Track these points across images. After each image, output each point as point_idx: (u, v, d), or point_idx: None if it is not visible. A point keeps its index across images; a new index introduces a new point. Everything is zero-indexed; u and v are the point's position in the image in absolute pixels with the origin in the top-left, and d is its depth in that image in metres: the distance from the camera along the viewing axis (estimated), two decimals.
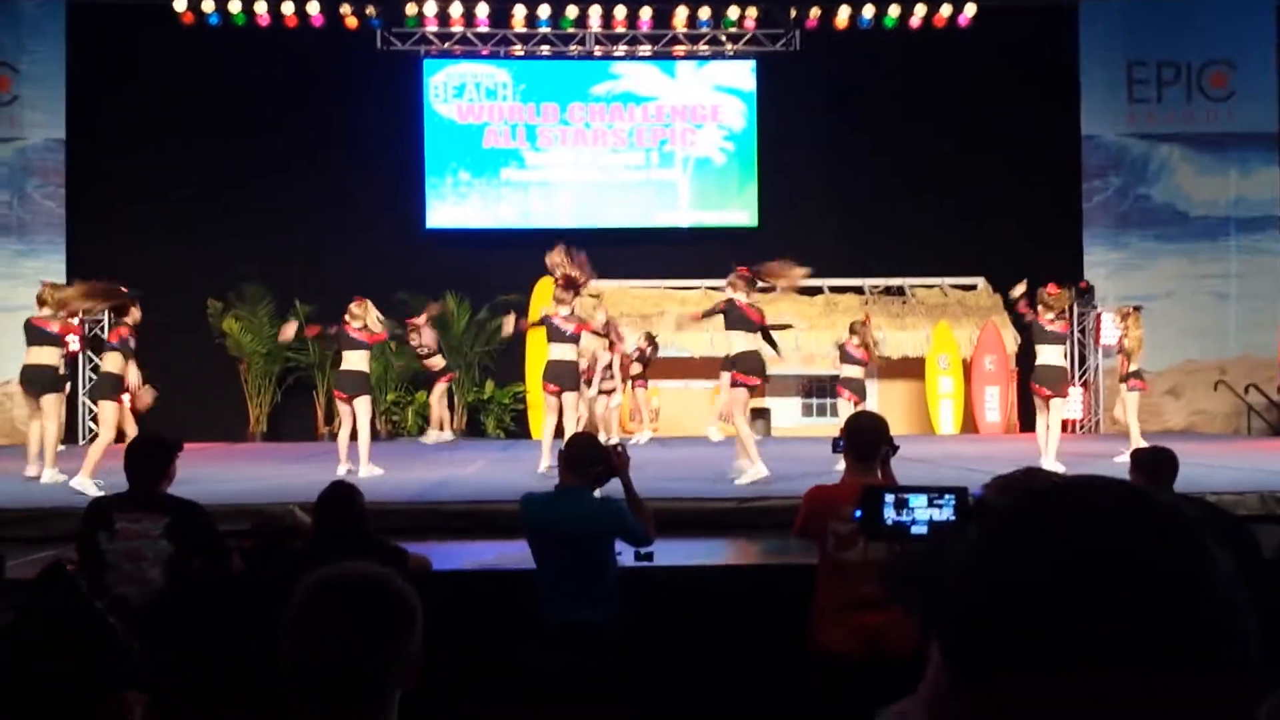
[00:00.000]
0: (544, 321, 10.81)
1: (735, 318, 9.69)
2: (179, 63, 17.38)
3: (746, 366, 9.59)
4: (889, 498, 2.01)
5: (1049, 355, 10.86)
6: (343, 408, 10.88)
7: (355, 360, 10.86)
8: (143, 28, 17.20)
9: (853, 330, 12.55)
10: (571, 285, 10.83)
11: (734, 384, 9.81)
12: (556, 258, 10.89)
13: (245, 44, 17.32)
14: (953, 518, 2.01)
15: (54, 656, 1.93)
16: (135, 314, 10.32)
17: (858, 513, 2.05)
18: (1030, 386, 11.14)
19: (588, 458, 5.12)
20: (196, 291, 17.01)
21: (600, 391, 14.62)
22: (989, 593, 0.80)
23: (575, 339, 10.81)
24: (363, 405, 10.76)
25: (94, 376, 17.08)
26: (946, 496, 2.02)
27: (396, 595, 1.85)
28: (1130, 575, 0.76)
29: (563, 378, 10.57)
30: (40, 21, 17.38)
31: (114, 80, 17.46)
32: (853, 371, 12.30)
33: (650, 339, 15.61)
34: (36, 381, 10.22)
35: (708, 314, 10.33)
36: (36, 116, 17.39)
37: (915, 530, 1.99)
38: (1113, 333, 17.19)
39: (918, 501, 2.01)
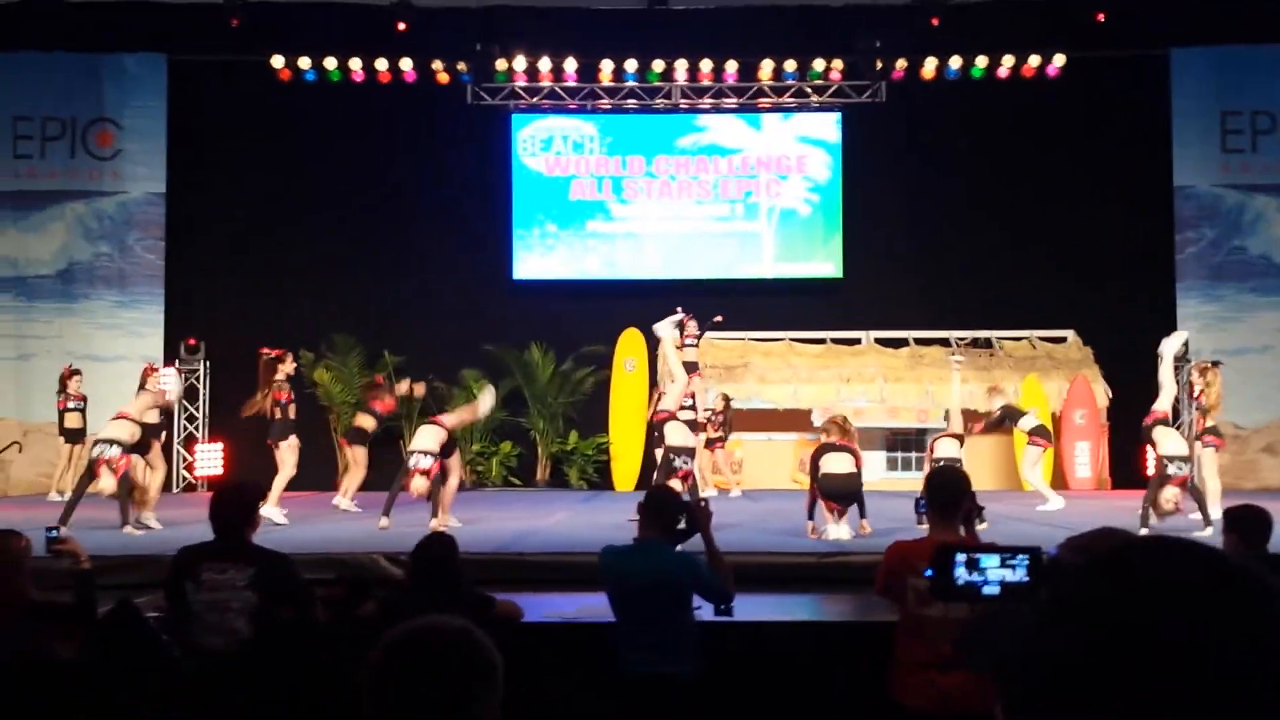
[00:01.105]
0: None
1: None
2: (275, 118, 17.84)
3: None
4: (960, 557, 1.99)
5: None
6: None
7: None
8: (241, 83, 17.69)
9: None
10: None
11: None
12: None
13: (340, 99, 17.72)
14: (1026, 579, 1.99)
15: (121, 691, 1.99)
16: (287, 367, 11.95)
17: (928, 571, 2.04)
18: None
19: (665, 510, 5.14)
20: (289, 341, 17.30)
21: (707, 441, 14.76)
22: (1053, 657, 0.81)
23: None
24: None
25: (189, 426, 17.48)
26: (1020, 557, 2.00)
27: (479, 650, 1.86)
28: (1192, 646, 0.76)
29: None
30: (143, 78, 17.94)
31: (213, 135, 17.96)
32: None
33: (725, 400, 15.57)
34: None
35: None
36: (138, 170, 17.92)
37: (987, 591, 1.96)
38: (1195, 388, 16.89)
39: (989, 561, 1.99)
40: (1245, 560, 0.82)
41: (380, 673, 1.82)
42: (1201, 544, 0.86)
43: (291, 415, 11.80)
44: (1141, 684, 0.76)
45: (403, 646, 1.84)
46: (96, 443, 10.37)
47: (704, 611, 5.18)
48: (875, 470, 17.47)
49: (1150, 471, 11.14)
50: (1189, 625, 0.78)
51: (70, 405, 15.45)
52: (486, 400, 11.64)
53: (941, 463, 10.42)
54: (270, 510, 10.85)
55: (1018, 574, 2.02)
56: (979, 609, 2.38)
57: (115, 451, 10.08)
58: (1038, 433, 13.29)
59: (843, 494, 9.06)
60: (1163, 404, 10.97)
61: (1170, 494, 9.96)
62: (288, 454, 11.61)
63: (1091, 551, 0.90)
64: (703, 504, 5.37)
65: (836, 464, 9.16)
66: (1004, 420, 13.36)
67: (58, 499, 13.88)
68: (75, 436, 15.34)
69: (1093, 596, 0.83)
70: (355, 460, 13.56)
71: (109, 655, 4.66)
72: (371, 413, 13.64)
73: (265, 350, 11.85)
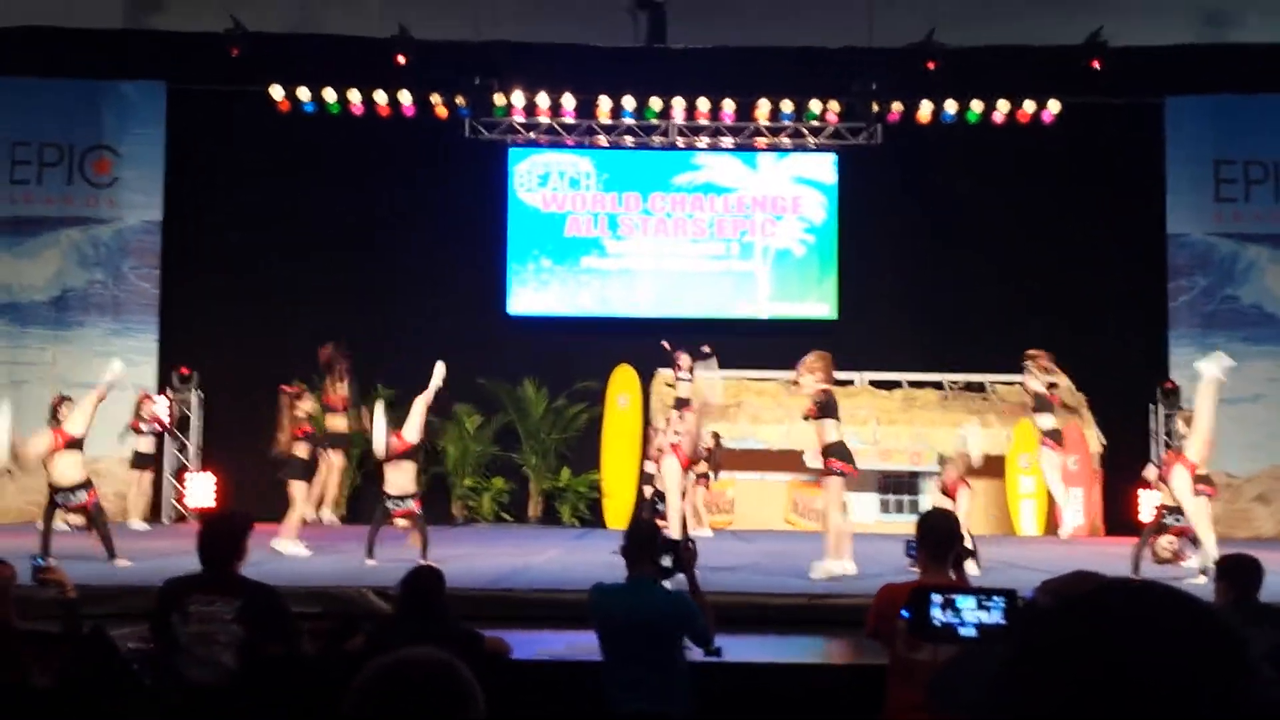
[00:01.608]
0: None
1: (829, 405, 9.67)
2: (273, 148, 17.86)
3: (841, 454, 9.53)
4: (936, 598, 1.98)
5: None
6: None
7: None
8: (240, 113, 17.73)
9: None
10: None
11: (829, 472, 9.71)
12: None
13: (337, 131, 17.76)
14: (1002, 621, 1.98)
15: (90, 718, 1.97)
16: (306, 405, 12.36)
17: (905, 612, 2.02)
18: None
19: (649, 546, 5.11)
20: (282, 374, 17.28)
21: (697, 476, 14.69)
22: (1023, 702, 0.79)
23: None
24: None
25: (179, 456, 17.42)
26: (996, 599, 1.99)
27: (459, 682, 1.85)
28: (1164, 689, 0.75)
29: None
30: (141, 106, 17.96)
31: (210, 164, 17.97)
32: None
33: (715, 438, 15.43)
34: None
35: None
36: (134, 198, 17.90)
37: (964, 632, 1.95)
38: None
39: (965, 603, 1.97)
40: (1218, 607, 0.82)
41: (361, 703, 1.81)
42: (1174, 588, 0.85)
43: (303, 454, 11.94)
44: (1108, 707, 0.75)
45: (383, 677, 1.84)
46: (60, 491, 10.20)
47: (695, 651, 5.14)
48: (867, 512, 17.44)
49: (1146, 518, 11.03)
50: (1161, 668, 0.76)
51: (141, 429, 15.66)
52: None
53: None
54: (290, 546, 10.82)
55: (993, 616, 2.01)
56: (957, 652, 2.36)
57: (82, 496, 10.07)
58: (1052, 435, 13.11)
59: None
60: (1195, 450, 10.25)
61: (1167, 541, 9.92)
62: (300, 490, 11.80)
63: (1064, 594, 0.89)
64: (689, 544, 5.34)
65: None
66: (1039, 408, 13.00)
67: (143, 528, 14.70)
68: (144, 462, 15.95)
69: (1063, 639, 0.82)
70: (293, 497, 12.00)
71: (80, 683, 4.61)
72: (305, 438, 12.25)
73: (285, 388, 11.95)
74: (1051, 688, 0.79)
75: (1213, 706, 0.76)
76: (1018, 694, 0.82)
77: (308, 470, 12.22)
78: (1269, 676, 0.78)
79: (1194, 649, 0.79)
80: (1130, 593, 0.84)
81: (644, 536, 5.18)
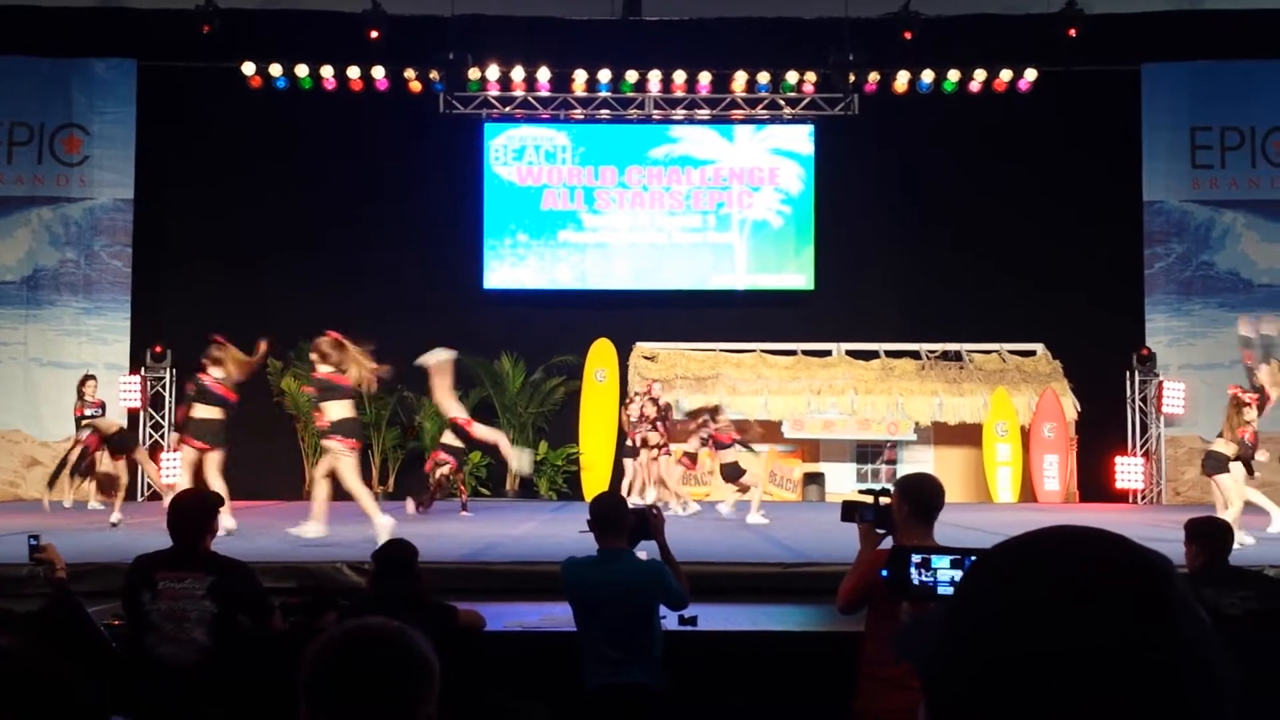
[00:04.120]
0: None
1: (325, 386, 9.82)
2: (245, 125, 17.71)
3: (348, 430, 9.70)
4: (915, 558, 1.97)
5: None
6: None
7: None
8: (211, 90, 17.55)
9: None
10: None
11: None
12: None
13: (310, 107, 17.62)
14: None
15: (55, 680, 1.93)
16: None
17: (884, 572, 2.01)
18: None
19: (612, 516, 5.09)
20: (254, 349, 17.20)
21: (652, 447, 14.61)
22: (957, 643, 0.79)
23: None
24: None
25: (153, 434, 17.31)
26: (970, 559, 1.97)
27: (413, 652, 1.82)
28: (1084, 622, 0.74)
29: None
30: (111, 84, 17.78)
31: (182, 141, 17.83)
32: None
33: (655, 404, 14.80)
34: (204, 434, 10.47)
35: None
36: (105, 176, 17.74)
37: (941, 591, 1.95)
38: (1176, 402, 16.94)
39: (940, 563, 1.97)
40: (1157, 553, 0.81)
41: (315, 671, 1.79)
42: (1110, 532, 0.83)
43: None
44: (1042, 663, 0.74)
45: (337, 645, 1.81)
46: None
47: (668, 620, 5.13)
48: (845, 482, 17.49)
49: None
50: (1085, 602, 0.75)
51: (88, 412, 15.17)
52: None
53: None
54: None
55: None
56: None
57: None
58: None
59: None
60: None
61: None
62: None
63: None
64: (654, 510, 5.33)
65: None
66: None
67: (98, 507, 14.04)
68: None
69: (991, 580, 0.81)
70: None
71: (48, 643, 4.58)
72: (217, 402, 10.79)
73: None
74: (975, 630, 0.78)
75: (1140, 640, 0.75)
76: (954, 637, 0.80)
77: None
78: (1197, 615, 0.76)
79: (1120, 585, 0.77)
80: (1063, 533, 0.83)
81: (608, 508, 5.16)
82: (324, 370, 10.03)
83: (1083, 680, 0.73)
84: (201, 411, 10.51)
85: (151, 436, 17.33)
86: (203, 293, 17.30)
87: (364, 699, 1.77)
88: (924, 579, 1.95)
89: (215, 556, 4.97)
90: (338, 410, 9.80)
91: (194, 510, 5.01)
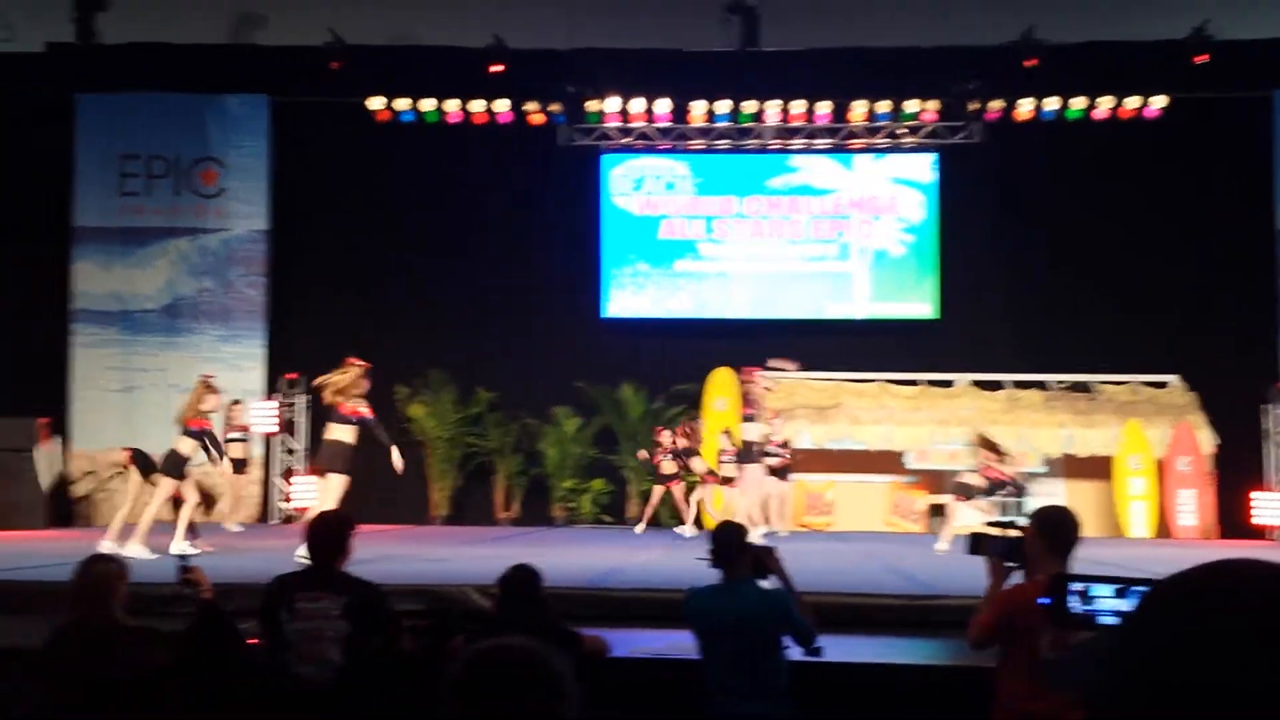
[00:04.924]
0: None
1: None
2: (373, 158, 18.19)
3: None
4: (1075, 586, 1.94)
5: None
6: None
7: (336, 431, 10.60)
8: (340, 124, 18.07)
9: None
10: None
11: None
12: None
13: (435, 140, 18.04)
14: None
15: (213, 694, 2.01)
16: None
17: (1045, 600, 1.98)
18: None
19: (730, 549, 5.06)
20: (385, 377, 17.57)
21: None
22: (1126, 672, 0.78)
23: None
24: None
25: (287, 458, 17.76)
26: (1134, 588, 1.93)
27: (550, 671, 1.85)
28: (1254, 659, 0.73)
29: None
30: (245, 119, 18.39)
31: (313, 174, 18.34)
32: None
33: (685, 432, 15.74)
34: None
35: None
36: (241, 208, 18.32)
37: (1101, 620, 1.91)
38: None
39: (1102, 591, 1.93)
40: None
41: (457, 687, 1.83)
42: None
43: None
44: (1219, 695, 0.73)
45: (478, 663, 1.85)
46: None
47: (794, 651, 5.09)
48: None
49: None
50: (1263, 640, 0.75)
51: (232, 435, 15.58)
52: None
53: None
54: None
55: (1133, 604, 1.93)
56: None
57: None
58: None
59: None
60: None
61: None
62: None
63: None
64: (769, 549, 5.25)
65: None
66: None
67: (238, 529, 14.84)
68: (239, 467, 15.68)
69: (1170, 614, 0.80)
70: (185, 493, 11.51)
71: (199, 660, 4.72)
72: (191, 434, 11.49)
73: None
74: (1149, 657, 0.78)
75: None
76: (1123, 666, 0.80)
77: None
78: None
79: None
80: (1238, 568, 0.82)
81: (728, 539, 5.14)
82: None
83: (1248, 717, 0.72)
84: (335, 433, 10.69)
85: (285, 461, 17.79)
86: (334, 321, 17.75)
87: (504, 713, 1.80)
88: (1085, 608, 1.92)
89: (349, 577, 5.06)
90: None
91: (331, 532, 5.14)
